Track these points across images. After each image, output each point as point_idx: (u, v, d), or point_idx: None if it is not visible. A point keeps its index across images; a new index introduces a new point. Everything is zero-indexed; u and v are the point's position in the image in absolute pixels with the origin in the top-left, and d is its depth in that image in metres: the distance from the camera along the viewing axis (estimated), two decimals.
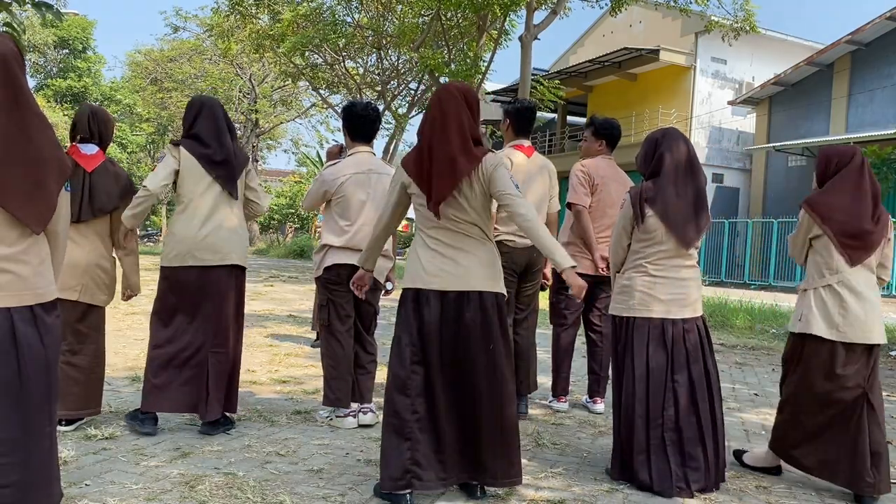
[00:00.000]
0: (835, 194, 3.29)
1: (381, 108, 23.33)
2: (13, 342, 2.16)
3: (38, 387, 2.20)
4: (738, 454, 3.70)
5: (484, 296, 2.93)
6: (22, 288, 2.20)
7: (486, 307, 2.93)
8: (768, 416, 4.85)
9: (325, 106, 27.21)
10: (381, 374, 5.58)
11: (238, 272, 3.89)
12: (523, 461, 3.51)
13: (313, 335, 7.24)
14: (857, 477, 3.19)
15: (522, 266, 4.27)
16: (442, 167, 2.86)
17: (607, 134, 4.71)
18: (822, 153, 3.47)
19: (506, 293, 3.08)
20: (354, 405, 4.10)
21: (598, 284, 4.53)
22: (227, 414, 3.82)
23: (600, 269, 4.43)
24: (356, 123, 4.14)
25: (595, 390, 4.72)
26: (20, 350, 2.16)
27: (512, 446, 2.97)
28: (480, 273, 2.94)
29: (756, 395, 5.61)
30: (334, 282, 4.02)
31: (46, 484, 2.22)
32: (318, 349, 6.58)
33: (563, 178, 5.12)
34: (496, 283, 2.99)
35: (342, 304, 4.07)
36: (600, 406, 4.67)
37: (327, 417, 4.12)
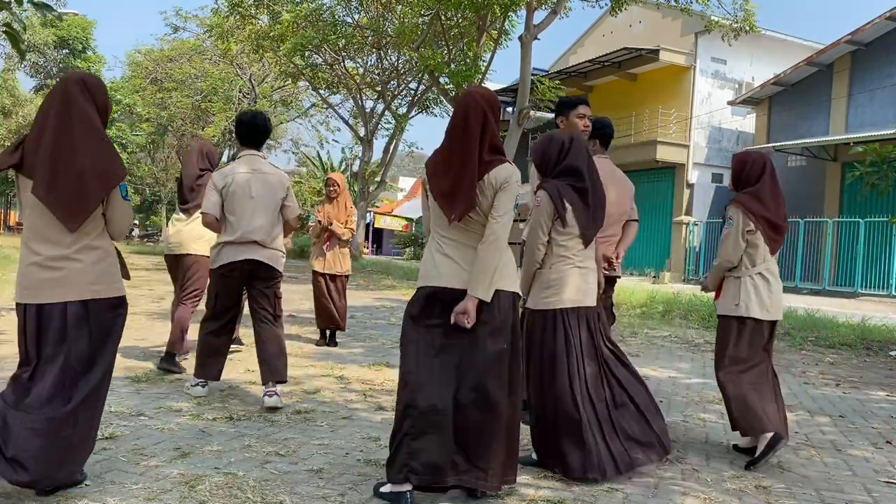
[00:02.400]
0: (762, 195, 3.86)
1: (381, 108, 23.41)
2: (63, 331, 2.68)
3: (80, 374, 2.72)
4: (736, 447, 3.99)
5: (501, 295, 2.94)
6: (74, 284, 2.69)
7: (504, 307, 2.96)
8: None
9: (325, 106, 27.21)
10: (382, 374, 5.58)
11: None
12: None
13: (315, 335, 7.25)
14: (784, 420, 3.82)
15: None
16: (462, 188, 2.89)
17: (600, 133, 4.66)
18: (739, 159, 4.01)
19: (521, 294, 3.18)
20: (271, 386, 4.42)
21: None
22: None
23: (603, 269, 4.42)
24: (243, 131, 4.53)
25: None
26: (68, 338, 2.69)
27: (512, 448, 2.99)
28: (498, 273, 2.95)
29: None
30: (226, 276, 4.44)
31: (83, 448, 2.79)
32: (319, 349, 6.59)
33: None
34: (514, 283, 3.02)
35: (229, 297, 4.52)
36: None
37: (194, 386, 4.57)
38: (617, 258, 4.35)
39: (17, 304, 2.78)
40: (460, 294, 2.90)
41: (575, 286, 3.45)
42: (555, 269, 3.46)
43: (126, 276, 2.97)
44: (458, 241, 2.97)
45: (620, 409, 3.44)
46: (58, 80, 2.86)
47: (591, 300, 3.50)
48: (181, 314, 5.39)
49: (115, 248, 2.93)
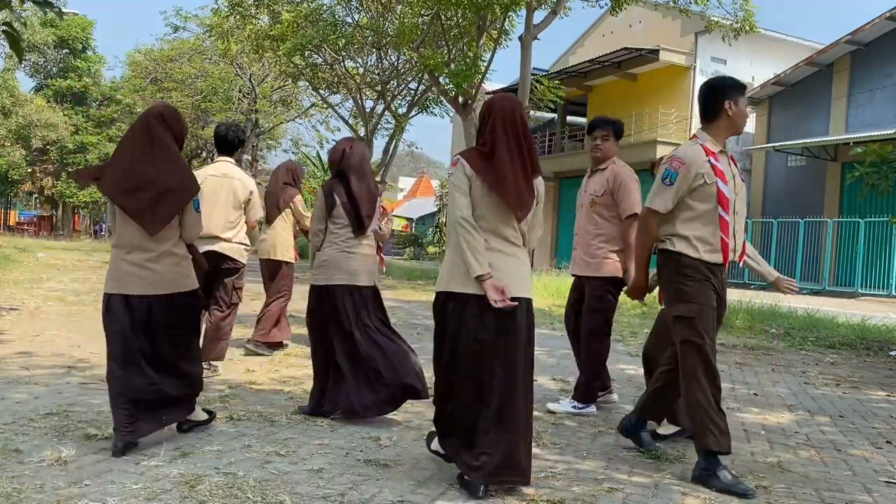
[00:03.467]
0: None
1: (381, 107, 23.40)
2: (150, 320, 3.36)
3: (170, 348, 3.42)
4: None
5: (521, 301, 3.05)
6: (158, 281, 3.38)
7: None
8: (768, 417, 4.86)
9: (325, 106, 27.21)
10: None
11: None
12: None
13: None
14: None
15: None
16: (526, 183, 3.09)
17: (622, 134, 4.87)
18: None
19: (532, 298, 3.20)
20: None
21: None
22: None
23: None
24: (219, 141, 5.32)
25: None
26: (153, 327, 3.37)
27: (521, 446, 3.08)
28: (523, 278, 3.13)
29: (755, 395, 5.61)
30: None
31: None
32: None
33: (564, 178, 5.12)
34: (530, 290, 3.15)
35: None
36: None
37: None
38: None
39: (105, 295, 3.45)
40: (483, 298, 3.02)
41: (341, 267, 4.15)
42: (325, 253, 4.21)
43: (203, 266, 3.79)
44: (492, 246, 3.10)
45: (373, 361, 4.08)
46: (142, 112, 3.58)
47: (358, 280, 4.18)
48: (273, 309, 6.27)
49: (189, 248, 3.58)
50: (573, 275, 4.79)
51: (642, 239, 3.56)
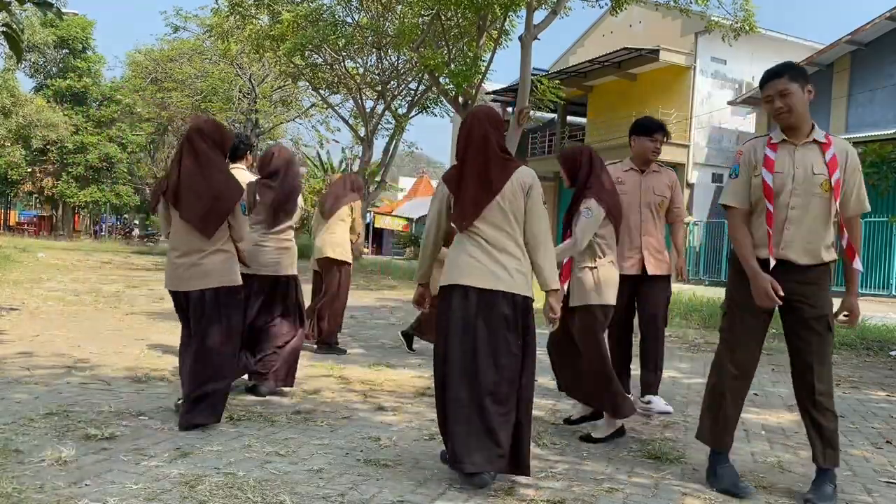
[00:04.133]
0: (609, 188, 4.03)
1: (381, 108, 23.40)
2: (203, 311, 3.87)
3: (210, 337, 3.88)
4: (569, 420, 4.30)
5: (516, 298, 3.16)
6: (208, 276, 3.88)
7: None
8: (768, 417, 4.86)
9: (325, 106, 27.20)
10: (383, 374, 5.59)
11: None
12: None
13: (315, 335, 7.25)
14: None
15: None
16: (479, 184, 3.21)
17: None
18: (568, 154, 4.11)
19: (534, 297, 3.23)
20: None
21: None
22: None
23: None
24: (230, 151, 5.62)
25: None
26: (205, 315, 3.87)
27: (522, 440, 3.16)
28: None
29: (756, 394, 5.61)
30: None
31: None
32: (318, 350, 6.59)
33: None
34: (521, 287, 3.19)
35: None
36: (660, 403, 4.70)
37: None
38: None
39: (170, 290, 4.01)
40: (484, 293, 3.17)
41: (256, 259, 4.66)
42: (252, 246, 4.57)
43: (245, 264, 4.25)
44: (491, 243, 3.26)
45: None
46: (186, 129, 4.14)
47: (266, 270, 4.73)
48: (337, 308, 6.65)
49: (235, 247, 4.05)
50: (631, 275, 4.59)
51: (735, 238, 3.34)
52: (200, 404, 3.82)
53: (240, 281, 4.05)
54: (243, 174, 5.31)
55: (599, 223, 3.89)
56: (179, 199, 3.87)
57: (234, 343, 4.05)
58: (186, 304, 3.94)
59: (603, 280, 3.94)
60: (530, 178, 3.23)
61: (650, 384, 4.70)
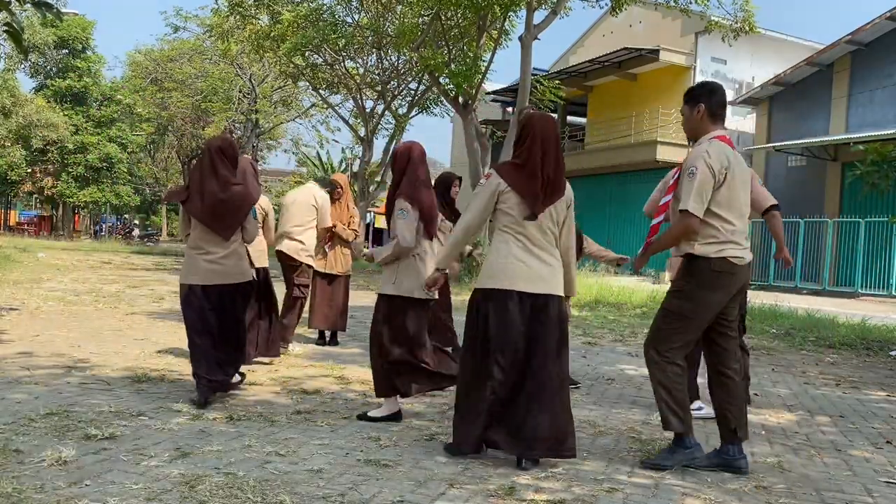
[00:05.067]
0: (423, 187, 4.24)
1: (381, 108, 23.39)
2: (220, 303, 4.49)
3: (231, 323, 4.57)
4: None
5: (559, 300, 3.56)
6: (228, 273, 4.49)
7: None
8: (769, 417, 4.86)
9: (325, 106, 27.20)
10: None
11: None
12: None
13: (314, 335, 7.25)
14: None
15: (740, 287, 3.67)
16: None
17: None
18: (394, 152, 4.41)
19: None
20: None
21: None
22: None
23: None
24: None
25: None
26: (223, 307, 4.50)
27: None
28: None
29: (756, 395, 5.61)
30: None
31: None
32: (319, 349, 6.59)
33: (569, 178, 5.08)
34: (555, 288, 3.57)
35: None
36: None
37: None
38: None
39: (184, 285, 4.49)
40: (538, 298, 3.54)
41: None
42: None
43: (252, 265, 5.03)
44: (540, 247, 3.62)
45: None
46: (205, 145, 4.76)
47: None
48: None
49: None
50: None
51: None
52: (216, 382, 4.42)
53: (251, 276, 4.78)
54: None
55: (417, 219, 4.13)
56: (201, 208, 4.43)
57: (244, 329, 4.76)
58: (205, 297, 4.46)
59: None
60: (572, 192, 3.66)
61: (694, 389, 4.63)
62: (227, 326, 4.52)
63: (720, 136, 3.62)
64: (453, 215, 5.57)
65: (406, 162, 4.21)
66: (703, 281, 3.52)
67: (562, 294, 3.58)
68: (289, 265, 6.47)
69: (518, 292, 3.45)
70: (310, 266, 6.54)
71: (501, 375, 3.45)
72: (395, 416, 4.20)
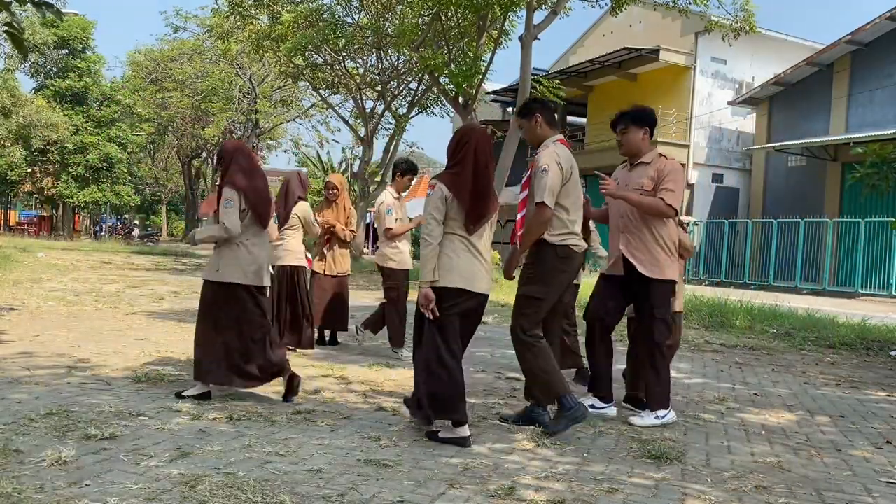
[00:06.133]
0: (247, 175, 4.52)
1: (381, 108, 23.40)
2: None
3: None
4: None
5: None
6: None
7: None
8: (769, 417, 4.86)
9: (325, 106, 27.20)
10: (383, 374, 5.58)
11: None
12: (524, 460, 3.53)
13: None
14: None
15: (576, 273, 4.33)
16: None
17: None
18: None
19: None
20: None
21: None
22: None
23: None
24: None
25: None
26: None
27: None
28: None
29: (756, 394, 5.61)
30: None
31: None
32: (319, 349, 6.59)
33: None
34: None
35: None
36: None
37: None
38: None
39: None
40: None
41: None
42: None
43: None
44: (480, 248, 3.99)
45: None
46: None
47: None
48: None
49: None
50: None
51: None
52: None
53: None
54: None
55: (238, 208, 4.40)
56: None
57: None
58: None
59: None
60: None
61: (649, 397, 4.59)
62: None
63: (560, 140, 4.23)
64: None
65: (231, 153, 4.57)
66: (552, 265, 4.06)
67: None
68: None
69: (465, 290, 3.81)
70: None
71: (454, 362, 3.81)
72: (205, 396, 4.44)
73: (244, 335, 4.45)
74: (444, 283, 3.78)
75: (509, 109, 28.89)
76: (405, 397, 4.23)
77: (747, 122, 23.69)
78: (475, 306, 3.91)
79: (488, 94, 25.47)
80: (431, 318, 3.78)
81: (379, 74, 22.44)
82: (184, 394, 4.45)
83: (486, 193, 3.87)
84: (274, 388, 4.93)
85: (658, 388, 4.41)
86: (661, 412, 4.41)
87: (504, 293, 11.44)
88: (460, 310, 3.83)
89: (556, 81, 21.28)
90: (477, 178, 3.83)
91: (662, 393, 4.41)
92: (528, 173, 4.26)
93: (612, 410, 4.58)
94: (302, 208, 6.39)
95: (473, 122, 4.47)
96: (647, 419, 4.39)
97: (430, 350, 3.82)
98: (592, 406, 4.49)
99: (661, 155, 4.55)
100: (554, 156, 4.06)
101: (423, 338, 3.90)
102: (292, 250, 6.38)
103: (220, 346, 4.42)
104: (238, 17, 19.64)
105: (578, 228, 4.17)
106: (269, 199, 4.66)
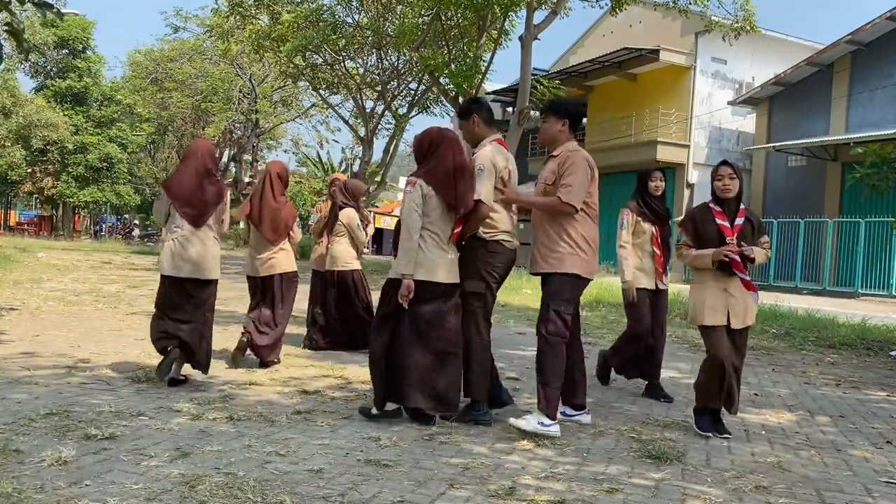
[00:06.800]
0: (184, 175, 5.03)
1: (381, 108, 23.40)
2: (272, 289, 5.84)
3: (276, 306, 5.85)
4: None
5: None
6: (276, 267, 5.82)
7: None
8: (768, 417, 4.86)
9: (325, 106, 27.19)
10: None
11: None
12: (524, 460, 3.53)
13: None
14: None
15: (509, 268, 4.43)
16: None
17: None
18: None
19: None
20: None
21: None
22: None
23: None
24: None
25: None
26: (277, 294, 5.86)
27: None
28: None
29: (756, 394, 5.61)
30: None
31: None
32: (316, 349, 6.58)
33: None
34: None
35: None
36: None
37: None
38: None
39: (249, 276, 5.87)
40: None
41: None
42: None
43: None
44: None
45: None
46: (264, 167, 6.09)
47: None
48: None
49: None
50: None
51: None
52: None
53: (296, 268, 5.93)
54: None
55: (166, 203, 4.91)
56: (263, 221, 5.65)
57: (288, 309, 5.87)
58: (262, 285, 5.75)
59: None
60: None
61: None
62: (275, 308, 5.78)
63: (498, 140, 4.37)
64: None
65: (185, 158, 5.05)
66: (483, 260, 4.20)
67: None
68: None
69: (435, 282, 4.04)
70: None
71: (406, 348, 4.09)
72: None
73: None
74: (418, 276, 4.01)
75: (509, 109, 28.88)
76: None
77: (747, 122, 23.68)
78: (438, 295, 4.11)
79: (488, 94, 25.46)
80: (406, 306, 4.02)
81: (379, 74, 22.43)
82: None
83: (468, 187, 4.09)
84: (274, 389, 4.94)
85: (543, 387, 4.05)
86: (545, 420, 3.98)
87: (503, 294, 11.43)
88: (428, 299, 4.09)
89: (556, 81, 21.28)
90: (457, 171, 4.09)
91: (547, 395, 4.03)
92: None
93: (585, 417, 4.38)
94: (347, 215, 6.60)
95: (439, 126, 4.45)
96: (531, 422, 3.99)
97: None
98: (563, 413, 4.28)
99: (573, 150, 4.20)
100: (490, 156, 4.22)
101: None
102: (338, 256, 6.61)
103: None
104: (238, 17, 19.63)
105: (510, 226, 4.30)
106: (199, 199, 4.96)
